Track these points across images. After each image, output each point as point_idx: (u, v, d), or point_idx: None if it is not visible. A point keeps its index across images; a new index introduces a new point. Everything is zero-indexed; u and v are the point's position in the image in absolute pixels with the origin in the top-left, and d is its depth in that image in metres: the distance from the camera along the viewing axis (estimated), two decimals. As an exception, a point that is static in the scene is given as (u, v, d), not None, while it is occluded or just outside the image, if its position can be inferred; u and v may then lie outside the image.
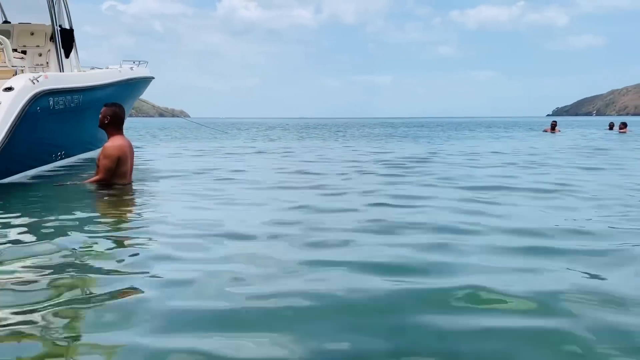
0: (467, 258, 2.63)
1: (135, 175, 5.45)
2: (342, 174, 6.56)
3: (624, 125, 21.55)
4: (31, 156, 6.00)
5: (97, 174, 5.04)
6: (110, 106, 5.18)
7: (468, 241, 2.95)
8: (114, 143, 5.02)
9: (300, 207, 4.11)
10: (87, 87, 7.59)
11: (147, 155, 10.09)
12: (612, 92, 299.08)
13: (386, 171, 6.97)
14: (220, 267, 2.46)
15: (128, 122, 11.65)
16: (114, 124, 5.11)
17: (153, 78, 11.77)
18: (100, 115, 5.12)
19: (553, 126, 21.79)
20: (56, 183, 5.26)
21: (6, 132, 5.19)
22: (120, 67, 10.09)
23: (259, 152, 11.21)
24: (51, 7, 7.92)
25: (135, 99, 11.50)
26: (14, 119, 5.35)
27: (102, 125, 5.11)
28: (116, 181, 5.00)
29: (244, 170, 7.17)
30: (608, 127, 24.30)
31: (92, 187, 4.95)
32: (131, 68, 10.39)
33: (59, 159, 6.85)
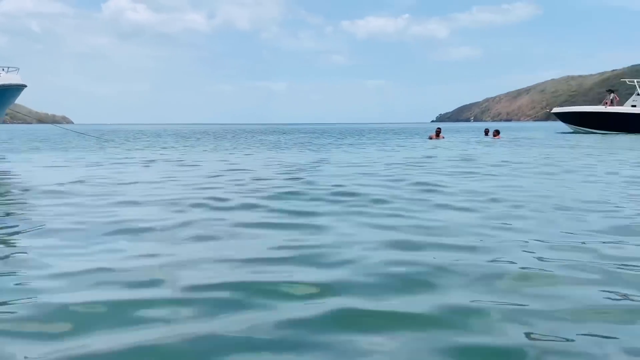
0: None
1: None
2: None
3: (497, 132, 23.93)
4: None
5: None
6: None
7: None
8: None
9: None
10: None
11: None
12: (487, 99, 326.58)
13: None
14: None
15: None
16: None
17: (25, 86, 10.83)
18: None
19: (438, 133, 23.21)
20: None
21: None
22: None
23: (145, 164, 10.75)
24: None
25: (2, 109, 10.46)
26: None
27: None
28: None
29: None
30: (484, 134, 26.53)
31: None
32: None
33: None
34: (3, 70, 10.18)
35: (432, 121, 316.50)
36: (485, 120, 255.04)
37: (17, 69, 10.67)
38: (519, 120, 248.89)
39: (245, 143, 19.67)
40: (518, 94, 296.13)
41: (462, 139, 24.24)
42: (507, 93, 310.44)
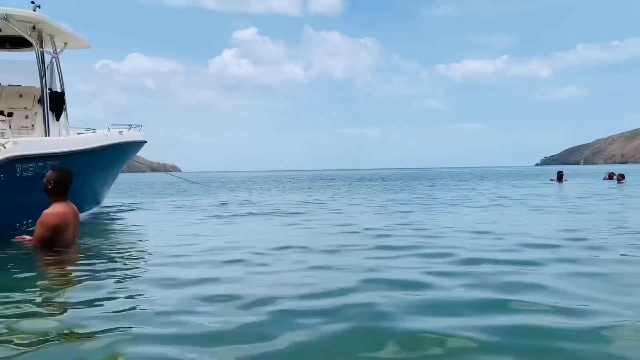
0: None
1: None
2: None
3: (621, 176, 21.85)
4: None
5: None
6: (55, 170, 4.94)
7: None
8: (53, 210, 4.76)
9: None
10: (64, 152, 7.28)
11: (124, 215, 9.68)
12: (597, 141, 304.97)
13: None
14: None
15: (120, 178, 11.53)
16: (57, 190, 4.83)
17: (145, 142, 11.47)
18: (44, 180, 4.85)
19: (560, 176, 22.18)
20: (18, 238, 5.07)
21: None
22: (108, 131, 9.78)
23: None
24: (41, 70, 7.75)
25: (122, 164, 11.12)
26: None
27: (45, 190, 4.84)
28: (56, 247, 4.75)
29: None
30: (607, 177, 24.27)
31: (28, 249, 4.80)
32: (120, 132, 10.08)
33: (25, 228, 6.33)
34: (127, 127, 10.81)
35: (537, 164, 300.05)
36: (597, 163, 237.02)
37: (140, 126, 11.35)
38: (636, 162, 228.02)
39: (370, 191, 19.07)
40: (635, 134, 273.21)
41: (585, 181, 22.54)
42: (622, 133, 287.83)
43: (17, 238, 5.14)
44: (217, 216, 9.29)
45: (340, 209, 10.41)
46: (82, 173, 8.18)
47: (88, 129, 9.81)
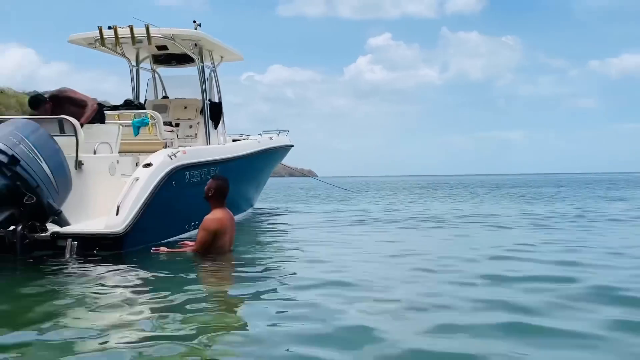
0: None
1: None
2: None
3: None
4: (165, 227, 6.12)
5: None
6: (215, 179, 5.29)
7: None
8: (214, 216, 5.10)
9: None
10: (223, 159, 7.82)
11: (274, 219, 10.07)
12: None
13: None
14: None
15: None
16: (217, 197, 5.17)
17: (292, 146, 11.95)
18: (205, 187, 5.23)
19: None
20: (154, 249, 5.37)
21: (140, 207, 5.41)
22: (260, 137, 10.37)
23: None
24: (202, 83, 8.43)
25: (272, 167, 11.72)
26: (149, 194, 5.57)
27: (206, 197, 5.20)
28: (213, 253, 5.04)
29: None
30: None
31: (189, 254, 5.13)
32: (270, 138, 10.62)
33: (193, 229, 6.92)
34: (275, 133, 11.32)
35: None
36: None
37: (287, 131, 11.83)
38: None
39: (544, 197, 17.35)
40: None
41: None
42: None
43: (182, 243, 5.55)
44: (370, 222, 9.23)
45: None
46: (239, 177, 8.77)
47: (241, 135, 10.48)
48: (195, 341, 2.51)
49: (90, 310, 3.17)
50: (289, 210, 12.72)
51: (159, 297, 3.44)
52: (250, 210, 10.76)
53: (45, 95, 6.45)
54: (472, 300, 3.29)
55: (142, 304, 3.35)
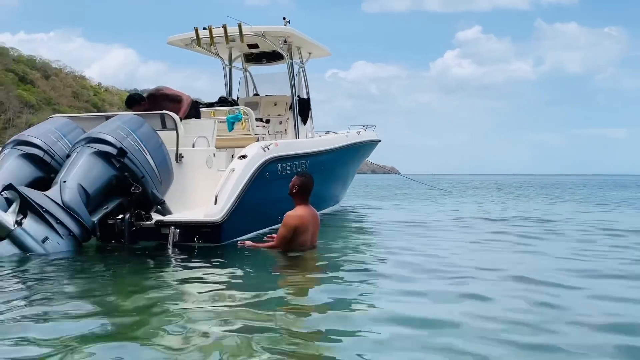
0: None
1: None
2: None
3: None
4: (259, 217, 6.24)
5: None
6: (300, 176, 5.27)
7: None
8: (295, 212, 5.08)
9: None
10: (313, 152, 7.86)
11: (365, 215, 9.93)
12: None
13: None
14: None
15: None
16: (301, 194, 5.16)
17: (379, 141, 11.84)
18: (290, 184, 5.22)
19: None
20: (240, 243, 5.44)
21: (237, 196, 5.55)
22: (348, 131, 10.35)
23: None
24: (291, 80, 8.55)
25: (360, 162, 11.66)
26: (245, 184, 5.71)
27: (290, 194, 5.20)
28: (295, 249, 5.02)
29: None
30: None
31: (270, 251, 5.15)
32: (358, 132, 10.57)
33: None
34: (363, 127, 11.25)
35: None
36: None
37: (374, 126, 11.72)
38: None
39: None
40: None
41: None
42: None
43: (269, 237, 5.64)
44: (465, 222, 8.89)
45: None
46: (327, 171, 8.81)
47: (328, 132, 10.51)
48: (278, 340, 2.47)
49: (178, 301, 3.25)
50: (373, 207, 12.56)
51: (244, 292, 3.47)
52: (336, 207, 10.75)
53: (144, 95, 6.83)
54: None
55: (227, 298, 3.37)
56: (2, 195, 4.76)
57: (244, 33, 7.77)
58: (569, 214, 10.31)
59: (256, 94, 9.76)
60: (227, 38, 7.87)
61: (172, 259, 4.85)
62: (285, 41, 8.41)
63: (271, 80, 9.78)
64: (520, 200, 15.83)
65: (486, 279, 3.94)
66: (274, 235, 5.55)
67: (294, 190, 5.18)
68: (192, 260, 4.75)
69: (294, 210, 5.16)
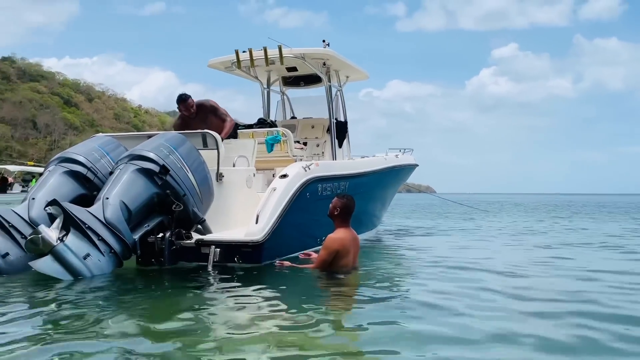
0: None
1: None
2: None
3: None
4: (298, 238, 6.14)
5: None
6: (341, 197, 5.15)
7: None
8: (336, 235, 4.99)
9: None
10: (353, 174, 7.75)
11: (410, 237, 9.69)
12: None
13: None
14: None
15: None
16: (342, 216, 5.06)
17: (417, 165, 11.64)
18: (330, 206, 5.12)
19: None
20: (278, 262, 5.36)
21: (278, 216, 5.47)
22: (386, 155, 10.21)
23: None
24: (329, 102, 8.52)
25: (398, 185, 11.47)
26: (286, 203, 5.62)
27: (331, 216, 5.10)
28: (336, 272, 4.91)
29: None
30: None
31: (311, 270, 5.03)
32: (396, 156, 10.42)
33: (320, 243, 6.85)
34: (400, 151, 11.11)
35: None
36: None
37: (412, 150, 11.55)
38: None
39: None
40: None
41: None
42: None
43: (304, 254, 5.52)
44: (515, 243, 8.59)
45: None
46: (366, 194, 8.67)
47: (363, 156, 10.41)
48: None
49: (217, 323, 3.20)
50: (412, 227, 12.37)
51: (285, 314, 3.43)
52: (373, 232, 10.57)
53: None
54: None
55: (267, 319, 3.32)
56: (45, 210, 4.81)
57: (284, 55, 7.81)
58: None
59: (293, 117, 9.78)
60: (267, 60, 7.91)
61: (212, 280, 4.78)
62: (324, 64, 8.42)
63: (308, 103, 9.78)
64: (564, 218, 15.24)
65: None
66: (309, 252, 5.44)
67: (336, 213, 5.09)
68: (233, 280, 4.69)
69: (335, 232, 5.07)
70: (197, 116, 6.68)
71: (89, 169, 5.44)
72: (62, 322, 3.12)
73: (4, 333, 2.86)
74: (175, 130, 6.79)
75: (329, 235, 5.09)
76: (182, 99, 6.68)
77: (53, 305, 3.55)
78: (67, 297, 3.80)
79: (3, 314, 3.28)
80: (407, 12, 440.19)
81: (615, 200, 51.29)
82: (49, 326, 3.03)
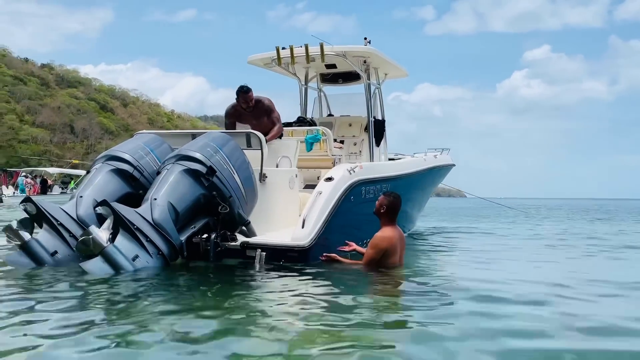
0: None
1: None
2: None
3: None
4: (343, 242, 6.00)
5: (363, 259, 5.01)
6: (388, 195, 5.07)
7: None
8: (384, 234, 4.93)
9: None
10: (394, 176, 7.63)
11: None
12: None
13: None
14: None
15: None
16: (389, 214, 5.00)
17: (454, 165, 11.43)
18: (377, 203, 5.04)
19: None
20: (323, 257, 5.27)
21: (324, 220, 5.37)
22: (425, 155, 10.05)
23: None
24: (368, 101, 8.38)
25: (436, 185, 11.27)
26: (332, 207, 5.52)
27: (377, 214, 5.03)
28: (383, 269, 4.87)
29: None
30: None
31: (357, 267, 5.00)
32: (435, 156, 10.23)
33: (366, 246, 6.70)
34: (437, 151, 10.92)
35: None
36: None
37: (449, 150, 11.34)
38: None
39: None
40: None
41: None
42: None
43: (341, 249, 5.42)
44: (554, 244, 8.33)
45: None
46: (408, 195, 8.50)
47: (396, 154, 10.23)
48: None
49: (265, 321, 3.13)
50: (453, 229, 12.19)
51: (335, 314, 3.32)
52: (412, 230, 10.39)
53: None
54: None
55: (315, 318, 3.23)
56: (95, 211, 4.82)
57: (325, 53, 7.72)
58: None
59: (330, 114, 9.67)
60: (308, 58, 7.84)
61: (259, 276, 4.70)
62: (364, 61, 8.29)
63: (345, 100, 9.66)
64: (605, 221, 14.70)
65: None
66: (351, 242, 5.35)
67: (382, 210, 4.99)
68: (279, 277, 4.62)
69: (381, 231, 4.97)
70: (252, 111, 6.53)
71: (135, 167, 5.42)
72: (117, 309, 3.24)
73: (64, 319, 3.01)
74: (226, 118, 6.75)
75: (376, 234, 5.00)
76: (244, 91, 6.45)
77: (103, 294, 3.64)
78: (112, 294, 3.78)
79: (59, 301, 3.43)
80: (436, 15, 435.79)
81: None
82: (102, 315, 3.13)
